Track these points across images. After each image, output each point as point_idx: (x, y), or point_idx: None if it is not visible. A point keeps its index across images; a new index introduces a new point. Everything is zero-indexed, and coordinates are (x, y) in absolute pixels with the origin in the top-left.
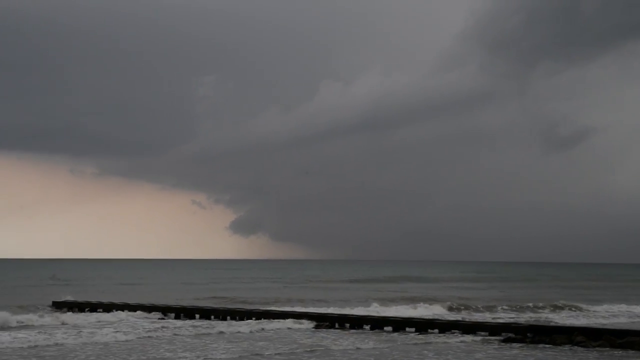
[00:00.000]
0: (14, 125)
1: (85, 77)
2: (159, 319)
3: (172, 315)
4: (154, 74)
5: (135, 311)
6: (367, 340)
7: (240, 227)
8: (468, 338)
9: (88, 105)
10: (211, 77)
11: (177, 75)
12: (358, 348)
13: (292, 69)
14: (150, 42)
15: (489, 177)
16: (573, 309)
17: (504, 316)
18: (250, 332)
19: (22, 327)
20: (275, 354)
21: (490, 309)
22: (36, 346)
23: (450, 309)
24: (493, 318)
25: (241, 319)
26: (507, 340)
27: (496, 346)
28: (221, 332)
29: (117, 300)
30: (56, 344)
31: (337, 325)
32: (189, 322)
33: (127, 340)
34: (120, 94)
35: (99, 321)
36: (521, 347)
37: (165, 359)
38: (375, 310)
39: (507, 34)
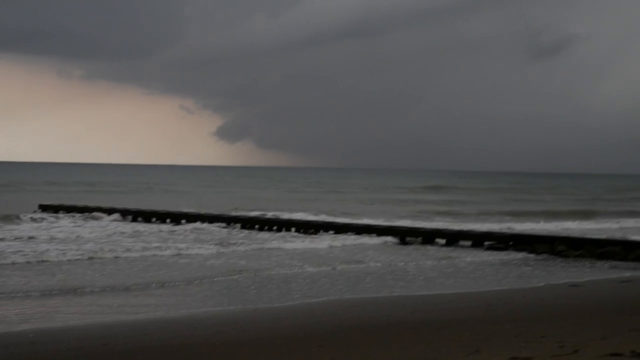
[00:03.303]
0: (2, 26)
1: None
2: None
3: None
4: None
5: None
6: None
7: (226, 133)
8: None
9: (77, 7)
10: None
11: None
12: None
13: None
14: None
15: (472, 85)
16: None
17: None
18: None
19: None
20: None
21: None
22: None
23: None
24: None
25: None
26: (489, 249)
27: (478, 252)
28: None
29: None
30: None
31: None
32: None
33: None
34: None
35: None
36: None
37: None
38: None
39: None
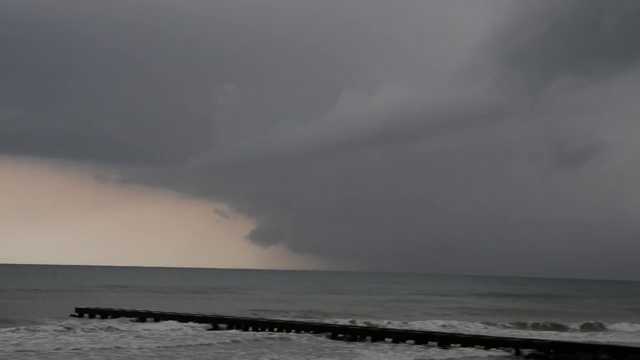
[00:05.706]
0: (41, 131)
1: (111, 84)
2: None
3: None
4: (178, 81)
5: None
6: None
7: (260, 237)
8: (492, 352)
9: (113, 112)
10: (232, 85)
11: (199, 83)
12: None
13: (314, 78)
14: (174, 51)
15: (502, 191)
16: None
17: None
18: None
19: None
20: None
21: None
22: None
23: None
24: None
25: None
26: (530, 357)
27: None
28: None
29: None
30: None
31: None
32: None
33: None
34: (145, 102)
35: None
36: None
37: None
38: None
39: (525, 47)
